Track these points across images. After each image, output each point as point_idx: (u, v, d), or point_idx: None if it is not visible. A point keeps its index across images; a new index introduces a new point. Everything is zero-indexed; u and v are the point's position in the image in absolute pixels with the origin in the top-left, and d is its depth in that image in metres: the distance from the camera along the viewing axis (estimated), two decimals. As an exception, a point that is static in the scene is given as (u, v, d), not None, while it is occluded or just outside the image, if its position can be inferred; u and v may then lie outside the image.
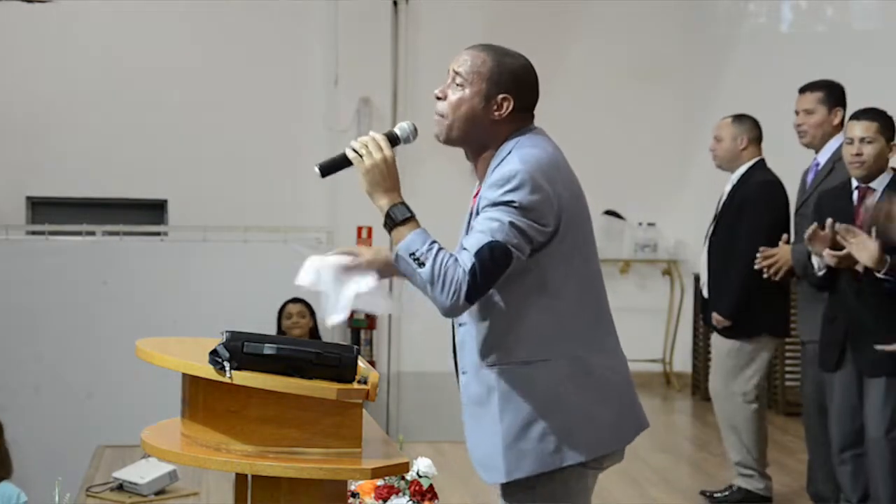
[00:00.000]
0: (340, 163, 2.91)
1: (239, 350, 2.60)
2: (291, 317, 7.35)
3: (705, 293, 5.81)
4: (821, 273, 4.84)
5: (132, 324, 6.83)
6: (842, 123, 5.40)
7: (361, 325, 8.97)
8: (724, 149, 5.68)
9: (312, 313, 7.45)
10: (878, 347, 4.58)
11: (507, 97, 2.88)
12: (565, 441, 2.81)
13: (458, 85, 2.90)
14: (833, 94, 5.43)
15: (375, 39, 9.01)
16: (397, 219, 2.81)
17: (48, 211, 8.80)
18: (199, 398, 2.73)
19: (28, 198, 8.93)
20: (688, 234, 8.78)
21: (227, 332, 2.65)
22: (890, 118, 4.86)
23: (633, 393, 2.98)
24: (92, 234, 7.51)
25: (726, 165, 5.72)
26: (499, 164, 2.85)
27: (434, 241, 2.78)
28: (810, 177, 5.52)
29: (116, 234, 7.59)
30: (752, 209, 5.56)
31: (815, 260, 4.85)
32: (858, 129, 4.82)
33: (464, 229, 2.92)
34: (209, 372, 2.61)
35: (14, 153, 8.81)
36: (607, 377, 2.90)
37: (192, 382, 2.76)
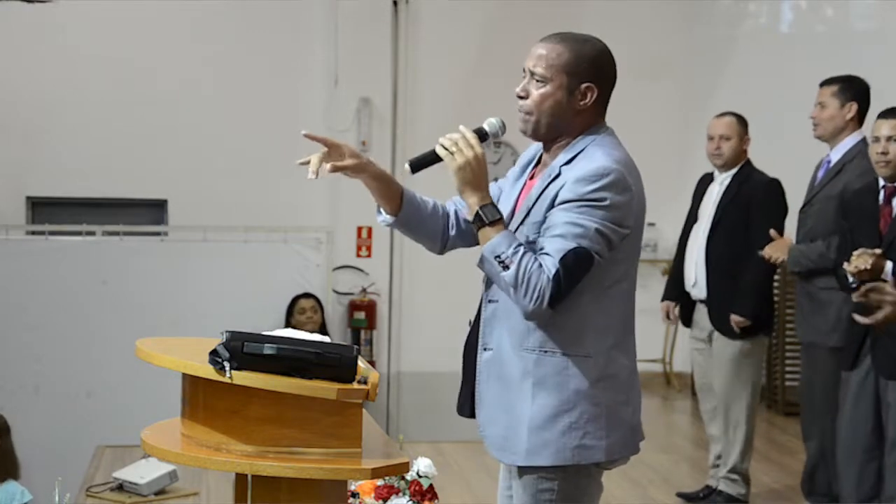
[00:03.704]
0: (431, 159, 2.93)
1: (239, 350, 2.60)
2: (305, 312, 7.39)
3: (698, 293, 5.73)
4: (854, 286, 4.77)
5: (132, 324, 6.83)
6: (856, 119, 5.39)
7: (361, 325, 8.98)
8: (733, 148, 5.64)
9: (321, 308, 7.46)
10: (857, 318, 4.51)
11: (590, 86, 2.89)
12: (588, 440, 2.83)
13: (538, 81, 2.88)
14: (849, 88, 5.40)
15: (375, 39, 9.00)
16: (487, 219, 2.83)
17: (48, 211, 8.80)
18: (199, 398, 2.73)
19: (28, 198, 8.92)
20: (688, 233, 8.79)
21: (227, 332, 2.65)
22: None
23: (640, 402, 2.99)
24: (92, 234, 7.51)
25: (730, 164, 5.69)
26: (577, 156, 2.85)
27: (520, 245, 2.79)
28: (821, 173, 5.48)
29: (116, 234, 7.59)
30: (766, 209, 5.53)
31: (849, 275, 4.79)
32: (885, 127, 4.74)
33: (521, 207, 2.91)
34: (209, 372, 2.61)
35: (14, 153, 8.80)
36: (631, 381, 2.93)
37: (192, 382, 2.76)
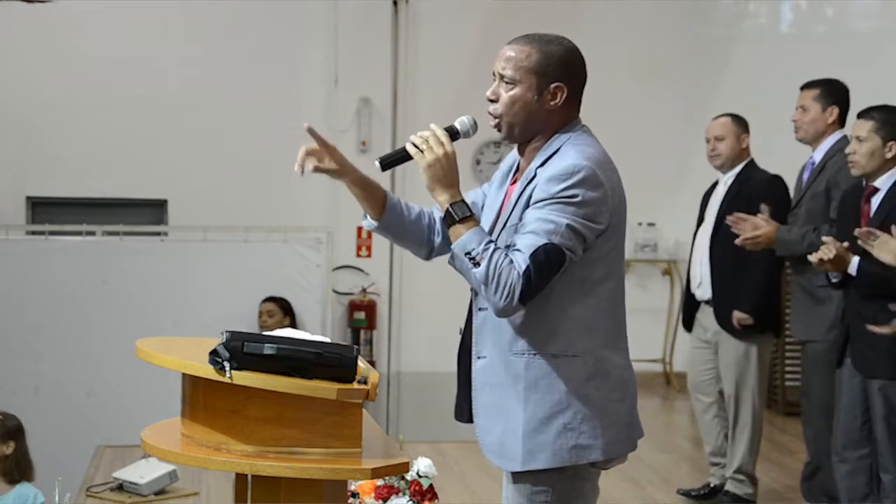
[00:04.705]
0: (401, 157, 2.92)
1: (239, 350, 2.60)
2: (262, 315, 7.37)
3: (703, 293, 5.73)
4: (836, 280, 4.77)
5: (132, 324, 6.82)
6: (837, 121, 5.43)
7: (361, 325, 8.98)
8: (730, 147, 5.65)
9: (286, 311, 7.43)
10: (870, 328, 4.54)
11: (560, 86, 2.88)
12: (583, 439, 2.82)
13: (507, 83, 2.88)
14: (830, 92, 5.44)
15: (375, 39, 9.01)
16: (457, 216, 2.83)
17: (48, 211, 8.81)
18: (199, 398, 2.73)
19: (28, 198, 8.93)
20: (688, 234, 8.70)
21: (227, 332, 2.65)
22: (891, 115, 4.81)
23: (636, 399, 2.99)
24: (92, 234, 7.50)
25: (729, 165, 5.68)
26: (553, 157, 2.85)
27: (490, 241, 2.79)
28: (806, 175, 5.54)
29: (116, 234, 7.58)
30: (770, 206, 5.52)
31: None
32: (858, 128, 4.83)
33: (503, 214, 2.92)
34: (209, 372, 2.61)
35: (14, 153, 8.80)
36: (625, 379, 2.92)
37: (192, 382, 2.76)
